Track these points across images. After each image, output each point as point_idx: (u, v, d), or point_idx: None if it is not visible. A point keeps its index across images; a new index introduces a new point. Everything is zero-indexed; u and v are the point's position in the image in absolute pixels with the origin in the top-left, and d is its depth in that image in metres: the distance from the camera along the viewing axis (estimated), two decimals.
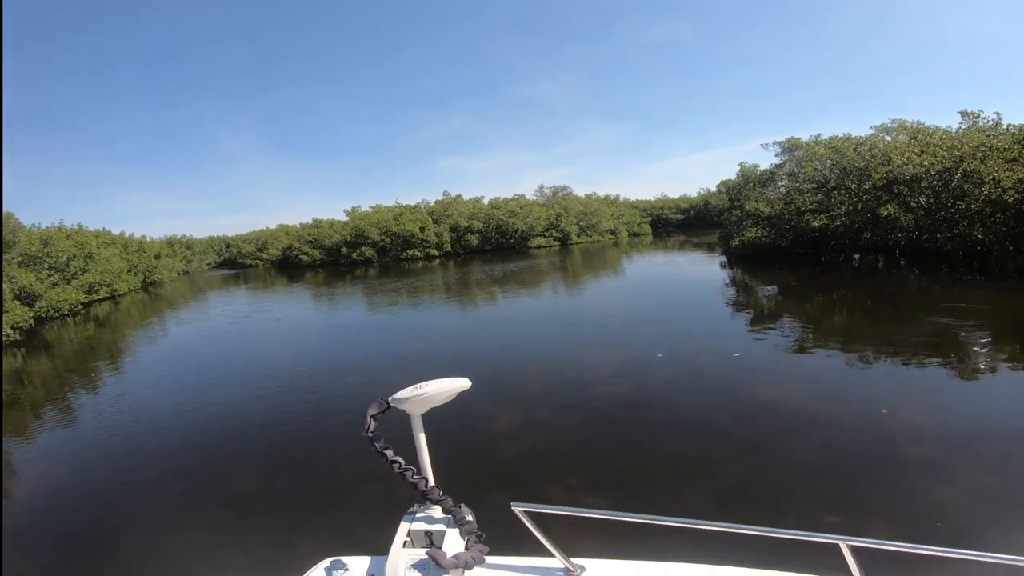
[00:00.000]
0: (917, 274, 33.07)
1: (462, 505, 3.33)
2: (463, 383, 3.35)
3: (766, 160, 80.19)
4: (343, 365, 21.79)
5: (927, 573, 5.82)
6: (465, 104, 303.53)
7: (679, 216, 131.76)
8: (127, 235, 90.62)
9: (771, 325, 22.56)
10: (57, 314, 49.96)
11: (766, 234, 45.83)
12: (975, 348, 16.83)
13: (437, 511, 3.39)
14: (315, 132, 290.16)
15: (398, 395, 3.29)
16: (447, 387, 3.30)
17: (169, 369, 24.77)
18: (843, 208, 42.07)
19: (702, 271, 44.58)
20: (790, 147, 50.40)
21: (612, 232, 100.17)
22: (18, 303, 41.44)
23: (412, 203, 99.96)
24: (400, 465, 3.31)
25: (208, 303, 53.26)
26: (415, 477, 3.31)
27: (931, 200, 38.20)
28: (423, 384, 3.30)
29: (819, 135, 50.02)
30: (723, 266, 45.23)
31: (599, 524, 4.04)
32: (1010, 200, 32.83)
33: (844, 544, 2.86)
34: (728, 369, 16.36)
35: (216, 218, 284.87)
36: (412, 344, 24.93)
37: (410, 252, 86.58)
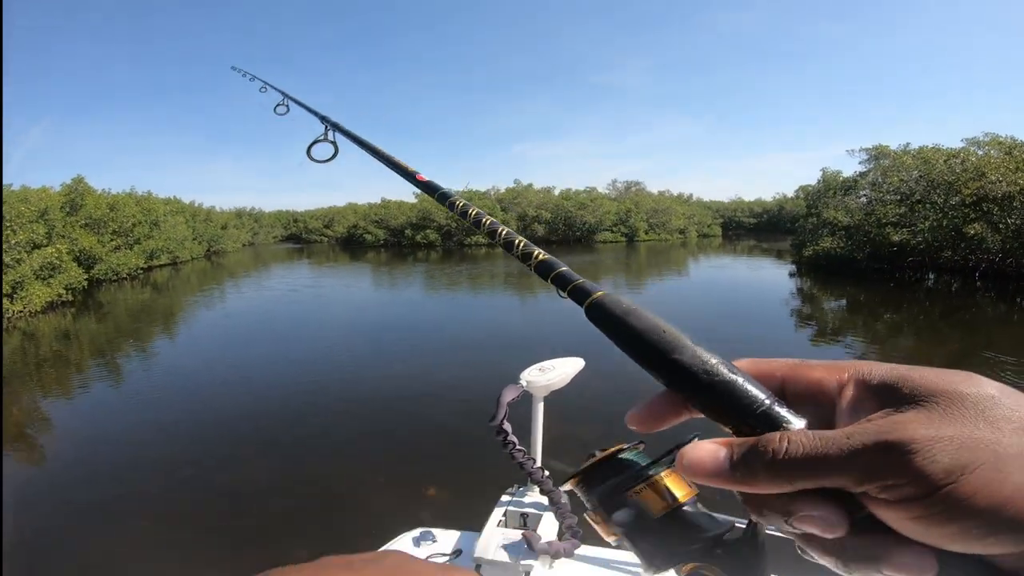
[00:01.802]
0: (994, 298, 31.86)
1: (560, 488, 2.93)
2: (579, 363, 3.38)
3: (850, 167, 78.01)
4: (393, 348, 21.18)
5: None
6: (542, 89, 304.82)
7: (751, 220, 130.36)
8: (197, 204, 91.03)
9: (834, 341, 21.83)
10: (116, 277, 50.51)
11: (842, 245, 44.23)
12: None
13: (535, 493, 3.39)
14: (392, 114, 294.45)
15: (529, 378, 3.23)
16: (570, 368, 3.32)
17: (213, 340, 24.67)
18: (927, 223, 40.40)
19: (770, 279, 43.58)
20: (877, 155, 48.17)
21: (681, 232, 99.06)
22: (75, 264, 41.14)
23: (482, 189, 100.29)
24: (516, 447, 2.99)
25: (267, 275, 53.93)
26: (525, 458, 3.01)
27: (1021, 221, 36.25)
28: (548, 364, 3.33)
29: (908, 144, 47.77)
30: (792, 275, 44.23)
31: None
32: None
33: None
34: None
35: (289, 194, 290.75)
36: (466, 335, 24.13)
37: (475, 238, 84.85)
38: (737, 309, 28.81)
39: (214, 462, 11.36)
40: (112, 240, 53.46)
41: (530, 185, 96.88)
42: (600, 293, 0.89)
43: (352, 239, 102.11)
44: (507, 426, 2.96)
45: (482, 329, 25.20)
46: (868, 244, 43.17)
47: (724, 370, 0.69)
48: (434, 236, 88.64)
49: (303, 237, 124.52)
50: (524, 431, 3.27)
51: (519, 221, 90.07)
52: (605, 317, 0.87)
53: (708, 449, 0.55)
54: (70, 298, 37.30)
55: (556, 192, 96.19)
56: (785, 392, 0.64)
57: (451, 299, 34.01)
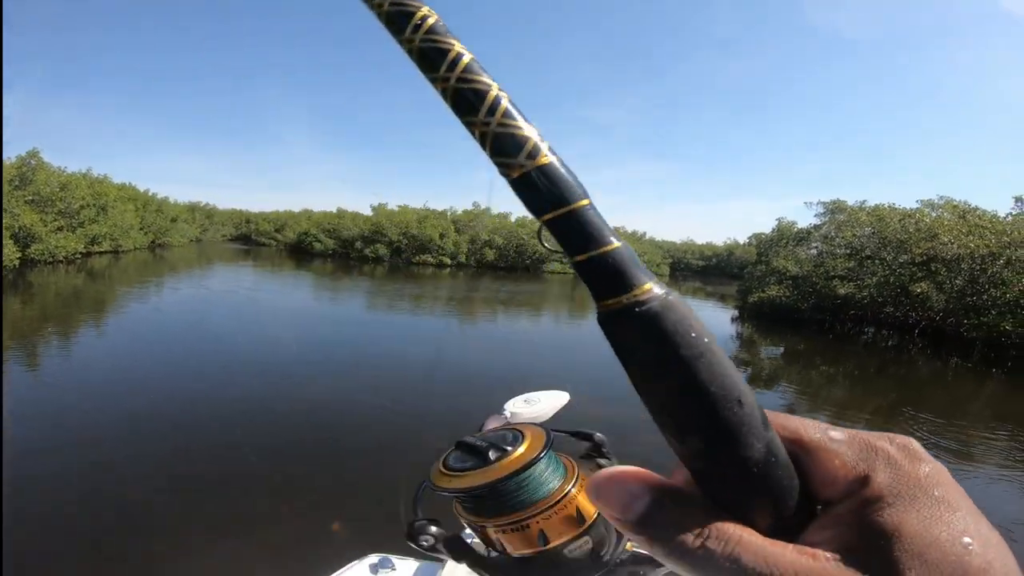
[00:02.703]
0: (929, 356, 32.30)
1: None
2: (565, 397, 3.12)
3: (804, 219, 78.89)
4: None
5: None
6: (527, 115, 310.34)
7: (700, 262, 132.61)
8: (151, 193, 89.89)
9: (768, 387, 21.53)
10: (52, 259, 49.21)
11: (788, 294, 44.20)
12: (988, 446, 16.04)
13: None
14: (365, 128, 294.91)
15: (514, 409, 2.92)
16: (556, 402, 3.04)
17: (136, 335, 23.47)
18: (874, 279, 40.90)
19: (710, 321, 42.31)
20: (833, 209, 48.98)
21: None
22: (10, 242, 40.08)
23: (440, 208, 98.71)
24: None
25: (207, 274, 53.04)
26: None
27: (966, 283, 36.92)
28: (533, 396, 3.08)
29: (864, 201, 48.76)
30: (733, 320, 44.37)
31: None
32: None
33: None
34: None
35: (251, 194, 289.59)
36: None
37: (423, 257, 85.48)
38: None
39: (114, 468, 10.65)
40: (55, 220, 52.31)
41: (487, 209, 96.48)
42: (661, 294, 0.55)
43: (300, 246, 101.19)
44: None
45: (413, 352, 24.42)
46: (814, 295, 43.28)
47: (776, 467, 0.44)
48: (383, 251, 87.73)
49: (252, 239, 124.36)
50: None
51: (470, 244, 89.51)
52: (661, 342, 0.54)
53: (625, 489, 0.49)
54: None
55: (513, 218, 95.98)
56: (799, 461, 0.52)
57: (391, 319, 32.97)
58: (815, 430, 0.57)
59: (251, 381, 16.56)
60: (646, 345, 0.53)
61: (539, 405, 3.02)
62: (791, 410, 17.18)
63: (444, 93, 0.61)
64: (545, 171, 0.55)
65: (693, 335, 0.53)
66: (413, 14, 0.60)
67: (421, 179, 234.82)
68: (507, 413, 2.91)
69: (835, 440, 0.53)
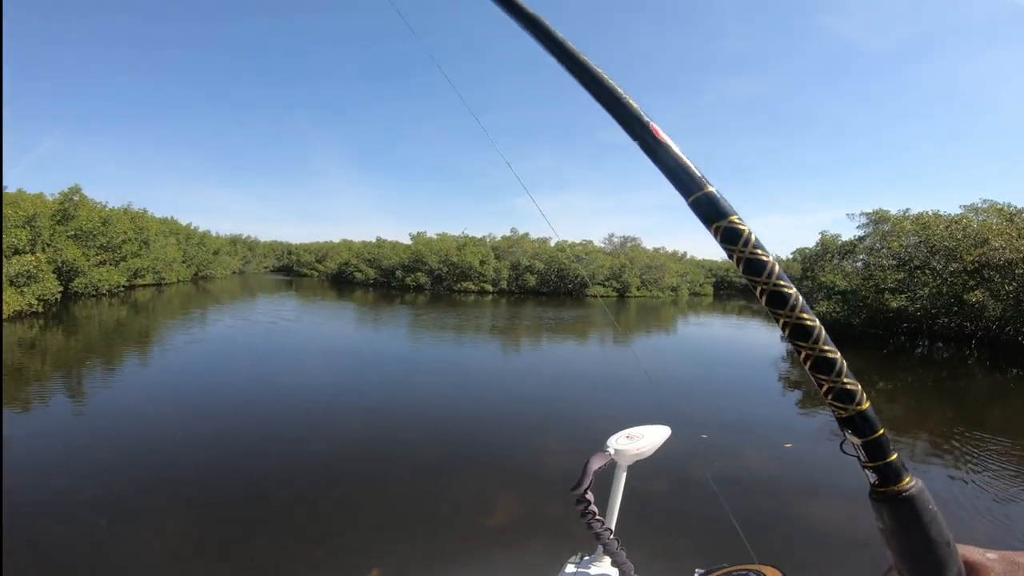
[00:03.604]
0: (988, 367, 31.30)
1: (629, 561, 2.80)
2: (667, 432, 3.26)
3: (848, 231, 77.82)
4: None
5: None
6: (548, 142, 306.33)
7: (743, 281, 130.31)
8: (193, 227, 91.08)
9: (821, 407, 20.09)
10: (95, 292, 50.30)
11: (838, 309, 43.04)
12: None
13: (604, 564, 3.15)
14: (400, 157, 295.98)
15: (617, 446, 3.01)
16: (659, 437, 3.19)
17: (178, 367, 23.31)
18: (926, 290, 39.73)
19: (759, 341, 42.60)
20: (876, 220, 47.73)
21: (673, 289, 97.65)
22: (53, 276, 40.45)
23: (479, 235, 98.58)
24: (595, 517, 2.72)
25: (250, 305, 52.91)
26: (602, 528, 2.73)
27: (1021, 290, 35.76)
28: (636, 431, 3.16)
29: (908, 209, 47.54)
30: (783, 339, 42.07)
31: None
32: None
33: None
34: (779, 464, 14.08)
35: (291, 226, 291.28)
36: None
37: (464, 284, 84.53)
38: (725, 369, 28.31)
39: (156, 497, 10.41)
40: (98, 255, 52.91)
41: (526, 234, 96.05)
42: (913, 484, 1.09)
43: (342, 276, 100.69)
44: (590, 495, 2.70)
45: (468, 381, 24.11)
46: (865, 309, 42.22)
47: None
48: (424, 279, 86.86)
49: (294, 269, 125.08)
50: (601, 498, 2.98)
51: (512, 270, 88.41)
52: (910, 514, 1.05)
53: None
54: (41, 309, 36.72)
55: (552, 243, 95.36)
56: None
57: (436, 348, 32.54)
58: (977, 553, 0.87)
59: (292, 414, 16.37)
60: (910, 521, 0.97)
61: (642, 441, 3.04)
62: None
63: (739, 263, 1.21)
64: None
65: (929, 506, 0.94)
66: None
67: (458, 207, 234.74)
68: (611, 450, 2.94)
69: (990, 559, 0.76)
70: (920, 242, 42.90)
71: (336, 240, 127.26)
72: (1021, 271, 35.65)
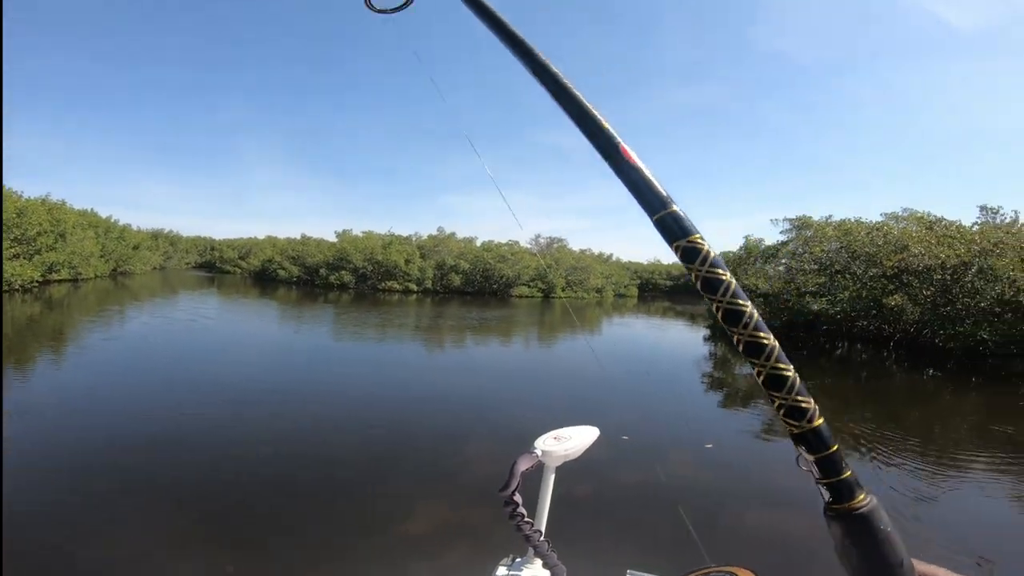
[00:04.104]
0: (906, 368, 32.33)
1: (561, 564, 2.80)
2: (595, 432, 3.15)
3: (772, 236, 79.36)
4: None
5: None
6: (488, 144, 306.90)
7: (668, 283, 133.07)
8: (113, 220, 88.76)
9: (743, 407, 21.41)
10: (7, 287, 48.31)
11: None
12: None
13: (535, 566, 2.98)
14: (333, 154, 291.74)
15: (545, 447, 2.91)
16: (587, 438, 3.07)
17: (91, 366, 22.48)
18: (846, 293, 41.01)
19: (682, 341, 43.19)
20: (800, 225, 49.12)
21: (598, 291, 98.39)
22: None
23: (405, 234, 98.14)
24: (524, 519, 2.68)
25: (170, 302, 51.52)
26: (532, 530, 2.72)
27: (938, 294, 37.01)
28: (563, 432, 3.06)
29: (830, 216, 49.00)
30: (706, 340, 43.47)
31: None
32: None
33: None
34: (700, 465, 13.99)
35: (217, 221, 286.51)
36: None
37: (389, 283, 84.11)
38: (649, 370, 28.17)
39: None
40: (11, 247, 51.31)
41: (452, 234, 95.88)
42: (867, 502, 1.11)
43: (265, 273, 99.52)
44: (518, 497, 2.66)
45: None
46: (786, 311, 43.28)
47: None
48: (348, 278, 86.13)
49: (216, 266, 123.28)
50: (530, 499, 2.92)
51: (437, 269, 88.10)
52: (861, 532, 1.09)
53: None
54: None
55: (478, 243, 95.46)
56: None
57: (358, 346, 32.23)
58: (944, 573, 0.94)
59: (203, 418, 15.68)
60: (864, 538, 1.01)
61: (570, 442, 2.96)
62: (770, 430, 17.37)
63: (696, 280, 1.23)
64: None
65: (882, 525, 0.99)
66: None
67: (386, 204, 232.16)
68: (538, 451, 2.87)
69: None
70: (842, 247, 44.18)
71: (262, 236, 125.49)
72: (939, 277, 36.87)
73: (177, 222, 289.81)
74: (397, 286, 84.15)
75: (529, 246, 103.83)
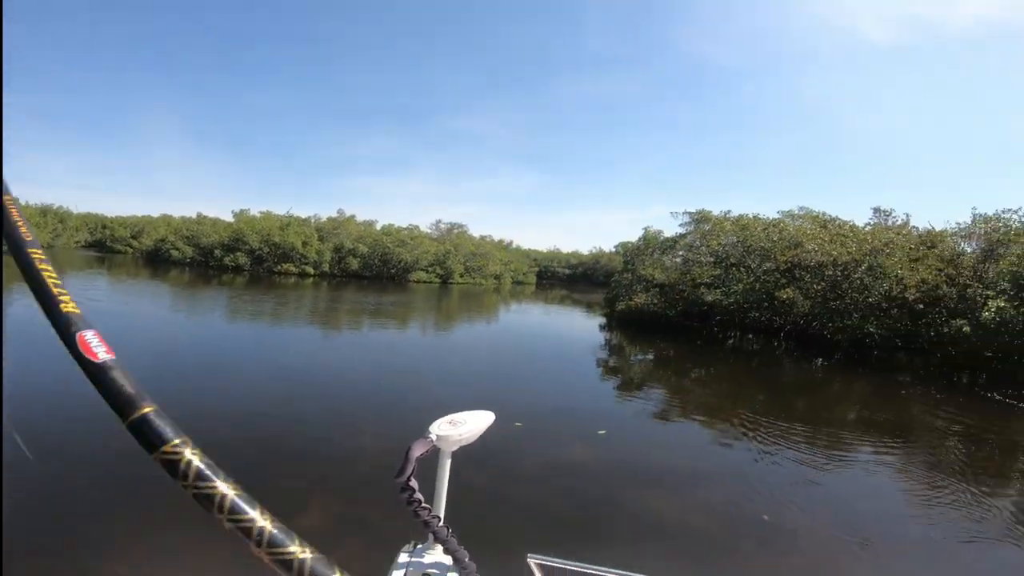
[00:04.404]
0: (796, 358, 33.10)
1: (463, 547, 2.64)
2: (490, 417, 3.06)
3: (671, 228, 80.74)
4: None
5: None
6: (394, 126, 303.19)
7: (566, 271, 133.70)
8: None
9: (637, 393, 21.39)
10: None
11: (655, 301, 44.82)
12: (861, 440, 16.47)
13: (437, 552, 2.99)
14: (238, 131, 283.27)
15: (440, 432, 2.84)
16: (482, 423, 2.97)
17: None
18: (740, 286, 41.83)
19: (580, 329, 43.32)
20: (699, 219, 50.13)
21: (496, 277, 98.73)
22: None
23: (304, 215, 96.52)
24: (421, 505, 2.54)
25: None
26: (430, 516, 2.58)
27: (828, 289, 38.22)
28: (459, 417, 2.95)
29: (729, 211, 50.40)
30: (602, 328, 43.95)
31: None
32: (910, 298, 34.28)
33: None
34: (594, 451, 13.96)
35: (113, 197, 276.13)
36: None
37: (285, 266, 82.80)
38: (544, 357, 28.33)
39: None
40: None
41: (352, 217, 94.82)
42: None
43: (158, 254, 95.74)
44: (414, 483, 2.53)
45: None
46: (681, 302, 43.91)
47: None
48: (244, 260, 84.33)
49: (107, 245, 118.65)
50: (426, 485, 2.82)
51: (335, 253, 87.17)
52: None
53: None
54: None
55: (378, 226, 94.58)
56: None
57: (248, 331, 31.47)
58: None
59: (64, 408, 15.09)
60: None
61: (465, 427, 2.91)
62: (664, 416, 17.70)
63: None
64: None
65: None
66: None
67: (286, 184, 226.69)
68: (433, 436, 2.81)
69: None
70: (738, 242, 45.30)
71: (156, 215, 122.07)
72: (830, 272, 38.15)
73: (69, 196, 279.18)
74: (293, 269, 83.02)
75: (429, 231, 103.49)
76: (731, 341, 38.97)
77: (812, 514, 10.92)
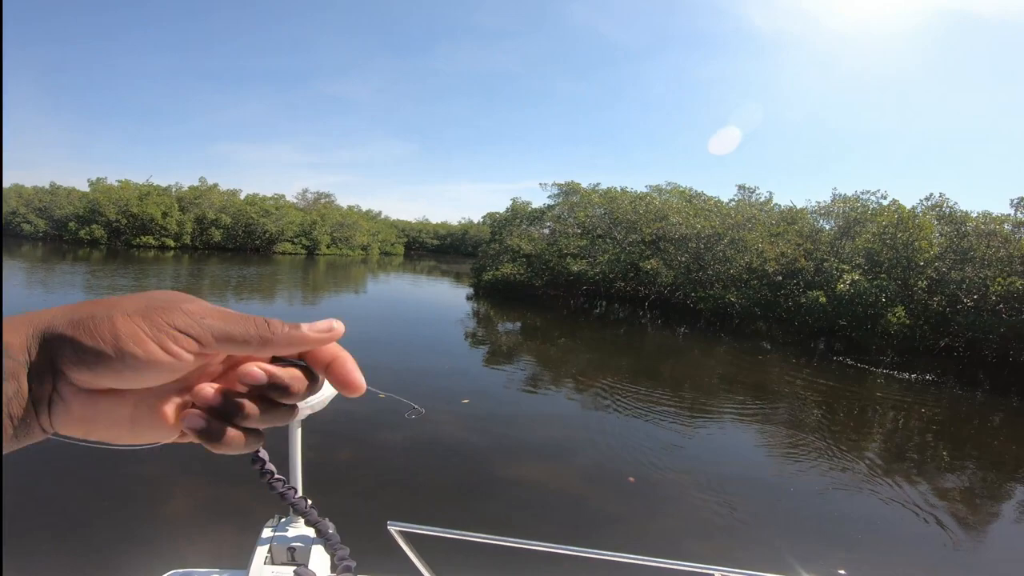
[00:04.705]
0: (660, 326, 34.06)
1: (326, 519, 1.69)
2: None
3: (540, 200, 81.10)
4: None
5: None
6: (265, 90, 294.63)
7: (435, 241, 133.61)
8: None
9: (507, 362, 21.60)
10: None
11: (522, 271, 44.60)
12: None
13: (300, 525, 3.24)
14: (96, 90, 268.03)
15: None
16: (330, 390, 2.85)
17: None
18: (606, 256, 42.18)
19: (447, 300, 43.68)
20: (567, 190, 50.56)
21: (364, 248, 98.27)
22: None
23: (164, 184, 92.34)
24: (275, 477, 1.56)
25: None
26: (285, 488, 1.58)
27: (692, 260, 39.20)
28: None
29: (598, 184, 51.07)
30: (469, 298, 44.21)
31: (476, 546, 3.52)
32: (770, 271, 35.68)
33: (718, 574, 3.21)
34: (458, 420, 13.85)
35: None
36: None
37: (144, 239, 79.74)
38: (413, 329, 28.10)
39: None
40: None
41: (215, 185, 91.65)
42: None
43: (7, 228, 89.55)
44: (264, 454, 1.63)
45: None
46: (548, 272, 44.01)
47: None
48: (100, 233, 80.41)
49: None
50: (280, 458, 2.30)
51: (196, 224, 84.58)
52: None
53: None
54: None
55: (242, 196, 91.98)
56: None
57: None
58: None
59: None
60: None
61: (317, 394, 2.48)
62: (531, 384, 17.80)
63: None
64: None
65: None
66: None
67: (147, 151, 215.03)
68: None
69: None
70: (605, 214, 45.96)
71: (7, 185, 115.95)
72: (693, 245, 39.22)
73: None
74: (153, 242, 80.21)
75: (295, 201, 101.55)
76: (598, 311, 39.47)
77: (676, 475, 11.12)
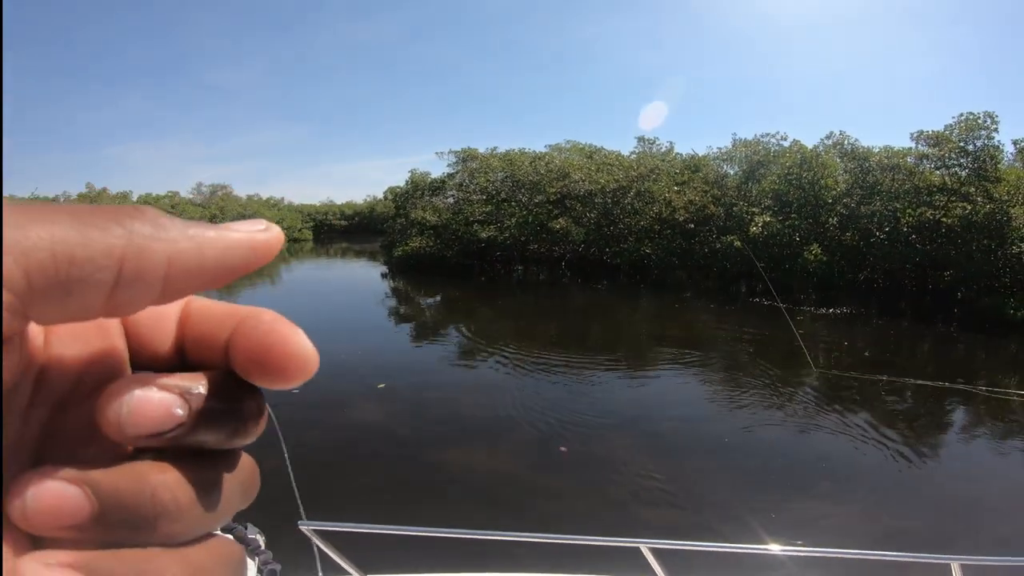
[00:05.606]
0: (580, 284, 34.60)
1: (248, 524, 2.83)
2: None
3: (439, 170, 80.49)
4: None
5: (725, 570, 5.88)
6: (145, 82, 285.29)
7: (343, 223, 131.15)
8: None
9: (437, 339, 21.50)
10: None
11: (431, 243, 44.61)
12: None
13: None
14: None
15: None
16: None
17: None
18: (513, 220, 42.29)
19: (362, 281, 43.03)
20: (465, 157, 49.55)
21: None
22: None
23: (51, 195, 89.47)
24: None
25: None
26: None
27: (601, 216, 39.51)
28: None
29: (496, 148, 50.00)
30: (384, 276, 43.85)
31: (395, 537, 3.88)
32: (680, 219, 36.21)
33: (644, 547, 3.24)
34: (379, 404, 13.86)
35: None
36: None
37: None
38: (335, 316, 27.20)
39: None
40: None
41: (104, 190, 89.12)
42: None
43: None
44: None
45: None
46: (457, 242, 44.02)
47: None
48: None
49: None
50: None
51: None
52: None
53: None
54: None
55: (134, 198, 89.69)
56: None
57: None
58: None
59: None
60: None
61: None
62: (469, 354, 18.14)
63: None
64: None
65: None
66: None
67: (29, 163, 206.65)
68: None
69: None
70: (507, 177, 45.51)
71: None
72: (600, 200, 39.63)
73: None
74: None
75: (191, 196, 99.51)
76: (516, 274, 39.85)
77: (611, 439, 11.23)
